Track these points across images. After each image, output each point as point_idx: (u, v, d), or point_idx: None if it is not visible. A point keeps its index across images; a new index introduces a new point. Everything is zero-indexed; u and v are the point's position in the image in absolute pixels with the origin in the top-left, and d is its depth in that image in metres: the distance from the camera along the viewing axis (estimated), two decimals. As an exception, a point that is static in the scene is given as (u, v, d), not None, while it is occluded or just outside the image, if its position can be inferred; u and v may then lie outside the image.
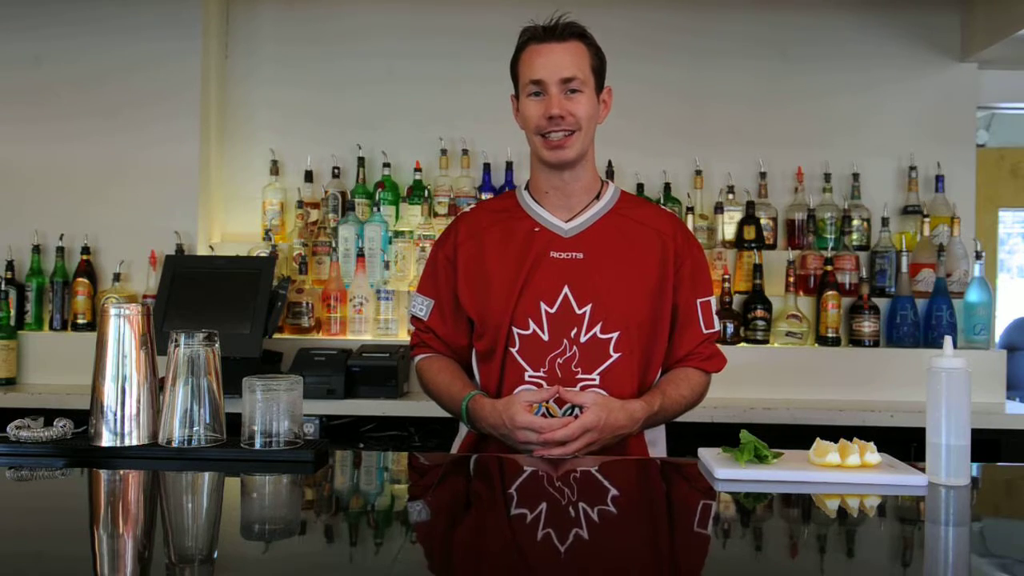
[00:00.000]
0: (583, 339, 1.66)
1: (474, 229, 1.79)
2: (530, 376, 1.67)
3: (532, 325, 1.67)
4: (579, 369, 1.65)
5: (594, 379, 1.66)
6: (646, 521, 1.23)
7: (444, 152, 3.16)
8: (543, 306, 1.67)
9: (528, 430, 1.56)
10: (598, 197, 1.76)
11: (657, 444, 1.79)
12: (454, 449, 1.81)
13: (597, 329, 1.66)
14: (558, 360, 1.66)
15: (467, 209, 1.96)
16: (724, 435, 1.80)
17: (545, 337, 1.67)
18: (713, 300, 1.79)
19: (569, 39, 1.68)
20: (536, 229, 1.74)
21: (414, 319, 1.84)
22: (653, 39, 3.22)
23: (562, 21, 1.68)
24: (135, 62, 3.10)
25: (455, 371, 1.78)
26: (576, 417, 1.59)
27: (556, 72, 1.65)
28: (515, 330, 1.68)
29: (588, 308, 1.67)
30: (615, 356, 1.66)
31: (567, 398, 1.60)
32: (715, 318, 1.78)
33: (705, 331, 1.76)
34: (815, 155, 3.20)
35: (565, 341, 1.66)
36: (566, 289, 1.67)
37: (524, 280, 1.69)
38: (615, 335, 1.67)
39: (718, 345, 1.81)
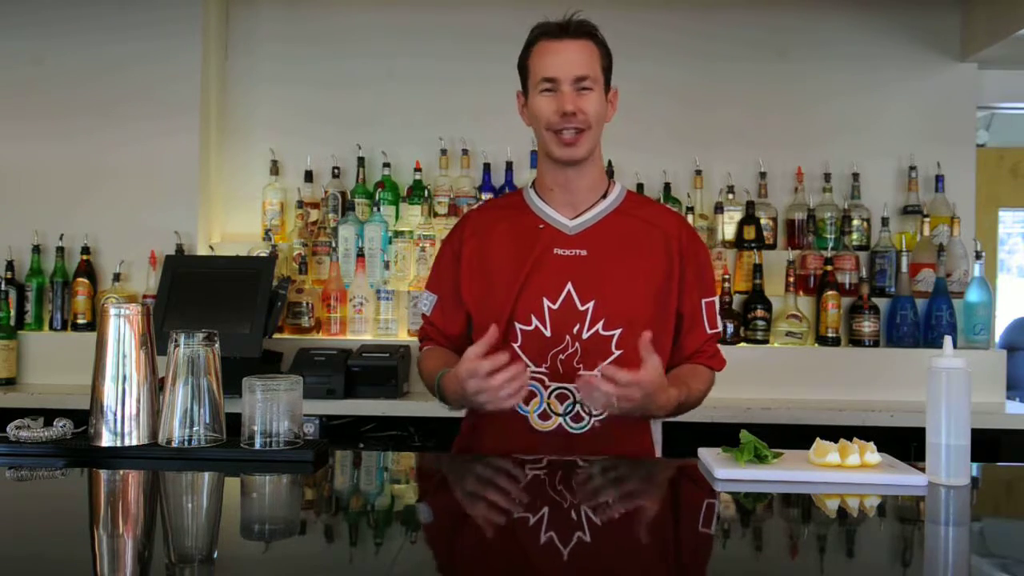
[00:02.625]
0: (585, 335, 1.66)
1: (480, 226, 1.79)
2: (532, 372, 1.66)
3: (534, 321, 1.67)
4: (581, 365, 1.66)
5: (595, 376, 1.65)
6: (646, 521, 1.23)
7: (444, 152, 3.16)
8: (546, 302, 1.68)
9: (473, 378, 1.50)
10: (604, 196, 1.77)
11: (657, 444, 1.79)
12: (454, 447, 1.82)
13: (599, 326, 1.67)
14: (560, 356, 1.66)
15: (474, 206, 1.96)
16: (724, 435, 1.80)
17: (547, 333, 1.67)
18: (717, 300, 1.80)
19: (581, 37, 1.68)
20: (541, 226, 1.74)
21: (422, 315, 1.86)
22: (653, 39, 3.22)
23: (576, 19, 1.69)
24: (135, 61, 3.10)
25: (444, 357, 1.77)
26: (576, 414, 1.61)
27: (570, 70, 1.65)
28: (517, 325, 1.68)
29: (591, 305, 1.67)
30: (617, 353, 1.66)
31: (644, 354, 1.51)
32: (718, 318, 1.79)
33: (709, 331, 1.77)
34: (815, 155, 3.20)
35: (567, 337, 1.66)
36: (569, 286, 1.68)
37: (526, 276, 1.69)
38: (617, 332, 1.67)
39: (718, 345, 1.82)
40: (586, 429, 1.66)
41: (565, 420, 1.66)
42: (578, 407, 1.65)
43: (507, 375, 1.49)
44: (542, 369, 1.66)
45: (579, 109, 1.65)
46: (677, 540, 1.14)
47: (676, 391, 1.62)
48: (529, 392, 1.63)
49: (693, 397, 1.70)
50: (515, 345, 1.68)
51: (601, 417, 1.65)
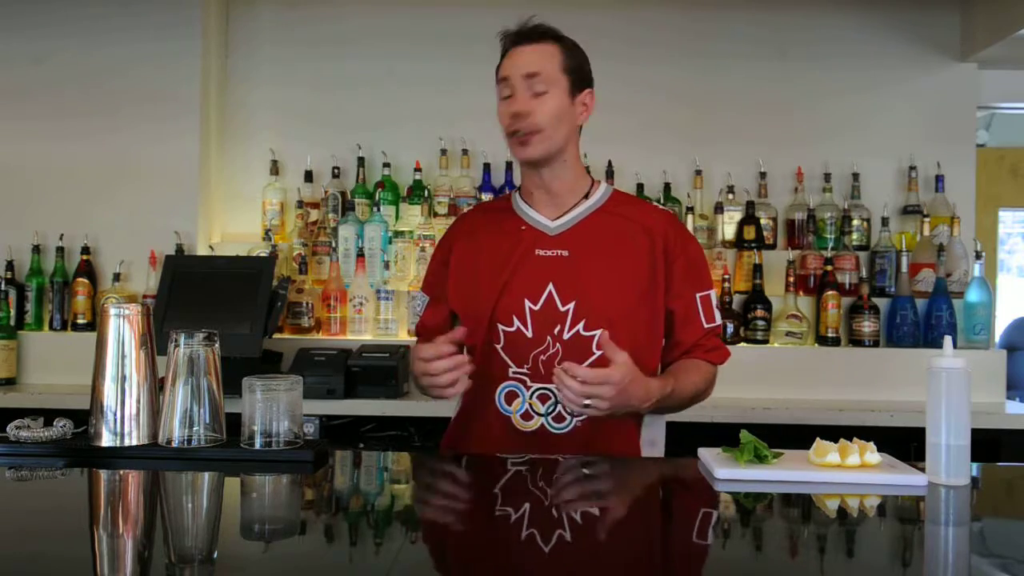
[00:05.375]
0: (566, 336, 1.67)
1: (469, 229, 1.82)
2: (514, 372, 1.68)
3: (516, 322, 1.68)
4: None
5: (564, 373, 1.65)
6: (646, 521, 1.23)
7: (444, 152, 3.16)
8: (527, 303, 1.68)
9: (420, 359, 1.56)
10: (587, 196, 1.77)
11: (657, 444, 1.79)
12: (441, 447, 1.82)
13: (580, 327, 1.67)
14: (541, 357, 1.67)
15: (466, 210, 1.97)
16: (724, 435, 1.80)
17: (529, 334, 1.67)
18: (713, 294, 1.78)
19: (539, 40, 1.69)
20: (523, 228, 1.75)
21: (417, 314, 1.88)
22: (653, 40, 3.22)
23: (531, 23, 1.71)
24: (135, 62, 3.10)
25: None
26: (558, 414, 1.63)
27: (519, 68, 1.68)
28: (499, 327, 1.69)
29: (571, 306, 1.67)
30: (598, 354, 1.65)
31: (607, 351, 1.52)
32: (716, 312, 1.77)
33: (706, 325, 1.75)
34: (815, 155, 3.20)
35: (548, 338, 1.67)
36: (550, 286, 1.68)
37: (508, 277, 1.70)
38: (598, 332, 1.66)
39: (720, 339, 1.80)
40: (568, 429, 1.66)
41: (547, 420, 1.66)
42: (560, 407, 1.65)
43: (447, 364, 1.54)
44: (523, 370, 1.67)
45: (529, 110, 1.66)
46: (677, 540, 1.14)
47: (659, 382, 1.62)
48: (510, 392, 1.67)
49: (686, 390, 1.69)
50: (497, 346, 1.69)
51: (582, 417, 1.64)
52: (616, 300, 1.69)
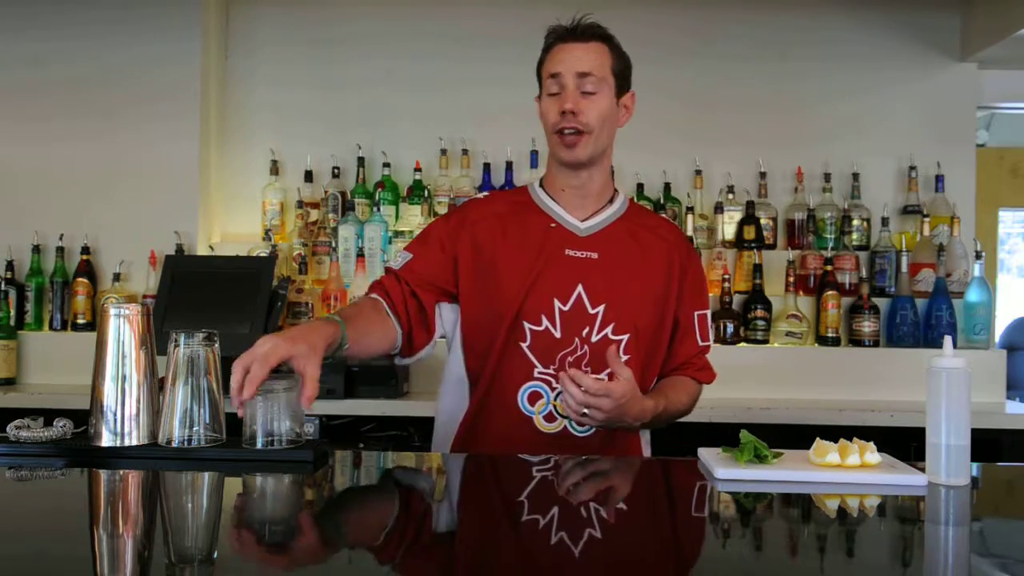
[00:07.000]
0: (594, 339, 1.66)
1: (484, 214, 1.74)
2: (539, 372, 1.65)
3: (545, 321, 1.66)
4: (589, 368, 1.64)
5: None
6: (645, 521, 1.23)
7: (444, 152, 3.16)
8: (557, 303, 1.66)
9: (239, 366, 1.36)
10: (611, 201, 1.77)
11: (646, 449, 1.79)
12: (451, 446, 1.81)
13: (609, 330, 1.66)
14: (568, 358, 1.65)
15: (477, 196, 1.93)
16: (724, 435, 1.80)
17: (557, 334, 1.66)
18: (709, 314, 1.81)
19: (590, 39, 1.69)
20: (552, 225, 1.72)
21: (387, 269, 1.77)
22: (654, 40, 3.21)
23: (584, 22, 1.69)
24: (135, 62, 3.10)
25: (372, 316, 1.67)
26: (576, 415, 1.60)
27: (572, 66, 1.66)
28: (526, 325, 1.66)
29: (601, 309, 1.67)
30: (623, 358, 1.65)
31: (612, 365, 1.52)
32: (710, 332, 1.80)
33: (700, 343, 1.78)
34: (815, 155, 3.20)
35: (577, 340, 1.66)
36: (580, 288, 1.67)
37: (537, 275, 1.67)
38: (625, 337, 1.67)
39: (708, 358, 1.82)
40: (589, 433, 1.65)
41: (570, 423, 1.65)
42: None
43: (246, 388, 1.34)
44: (550, 370, 1.65)
45: (579, 110, 1.64)
46: (677, 540, 1.14)
47: (653, 402, 1.62)
48: (534, 393, 1.65)
49: (673, 409, 1.70)
50: (523, 345, 1.66)
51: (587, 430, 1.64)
52: (641, 306, 1.70)
